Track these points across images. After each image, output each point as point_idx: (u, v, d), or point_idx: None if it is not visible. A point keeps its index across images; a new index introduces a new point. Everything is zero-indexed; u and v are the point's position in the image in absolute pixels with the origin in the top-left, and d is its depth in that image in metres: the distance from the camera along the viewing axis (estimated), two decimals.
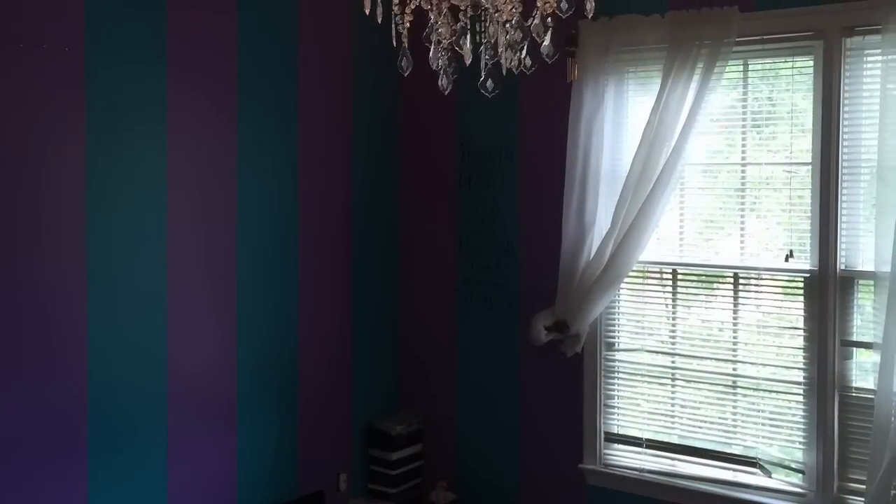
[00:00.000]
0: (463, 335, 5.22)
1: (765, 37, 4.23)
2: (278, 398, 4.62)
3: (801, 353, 4.24)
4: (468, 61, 2.26)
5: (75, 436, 3.65)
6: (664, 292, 4.64)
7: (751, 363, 4.40)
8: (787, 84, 4.29)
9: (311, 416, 4.80)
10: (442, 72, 2.27)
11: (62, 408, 3.60)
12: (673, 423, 4.62)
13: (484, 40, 2.25)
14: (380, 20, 2.19)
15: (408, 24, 2.21)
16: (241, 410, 4.40)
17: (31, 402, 3.48)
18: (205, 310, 4.22)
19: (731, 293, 4.42)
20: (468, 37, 2.22)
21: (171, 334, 4.03)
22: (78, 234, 3.63)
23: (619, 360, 4.76)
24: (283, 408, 4.64)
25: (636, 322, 4.74)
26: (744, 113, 4.39)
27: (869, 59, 4.02)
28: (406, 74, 2.29)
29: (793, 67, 4.26)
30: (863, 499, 3.99)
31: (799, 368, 4.24)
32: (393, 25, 2.22)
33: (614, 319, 4.77)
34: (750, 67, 4.35)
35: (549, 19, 2.16)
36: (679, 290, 4.58)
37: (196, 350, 4.18)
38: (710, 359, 4.50)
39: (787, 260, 4.25)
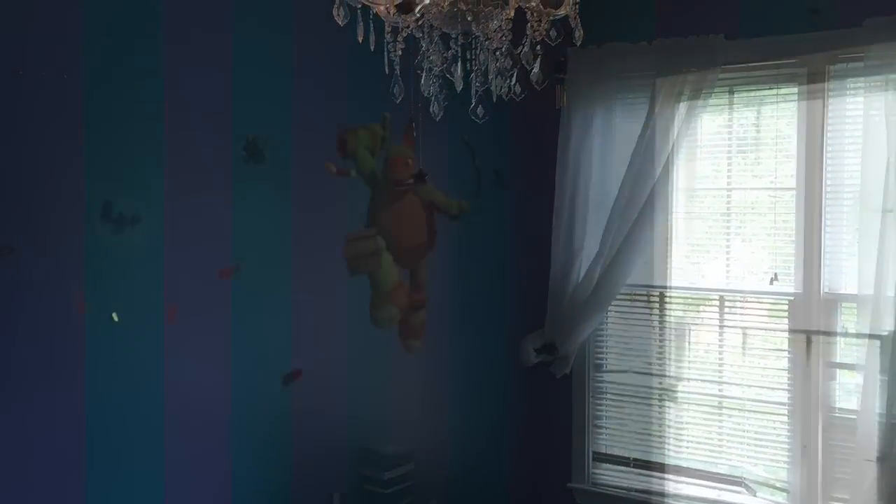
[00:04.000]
0: (454, 356, 5.25)
1: (750, 64, 4.30)
2: (273, 418, 4.64)
3: (785, 374, 4.29)
4: (459, 88, 2.30)
5: (73, 457, 3.67)
6: (651, 315, 4.70)
7: (736, 384, 4.45)
8: (772, 110, 4.35)
9: (306, 435, 4.82)
10: (433, 98, 2.31)
11: (60, 428, 3.62)
12: (660, 442, 4.67)
13: (474, 67, 2.28)
14: (372, 48, 2.24)
15: (400, 52, 2.26)
16: (236, 430, 4.42)
17: (28, 419, 3.51)
18: (201, 330, 4.25)
19: (717, 315, 4.49)
20: (459, 64, 2.26)
21: (169, 354, 4.06)
22: (77, 255, 3.66)
23: (607, 381, 4.81)
24: (277, 427, 4.66)
25: (624, 344, 4.79)
26: (729, 139, 4.46)
27: (852, 85, 4.08)
28: (398, 101, 2.33)
29: (777, 94, 4.32)
30: None
31: (783, 389, 4.30)
32: (385, 53, 2.26)
33: (602, 341, 4.83)
34: (735, 94, 4.41)
35: (539, 47, 2.18)
36: (666, 312, 4.65)
37: (192, 371, 4.21)
38: (697, 380, 4.56)
39: (771, 283, 4.31)
